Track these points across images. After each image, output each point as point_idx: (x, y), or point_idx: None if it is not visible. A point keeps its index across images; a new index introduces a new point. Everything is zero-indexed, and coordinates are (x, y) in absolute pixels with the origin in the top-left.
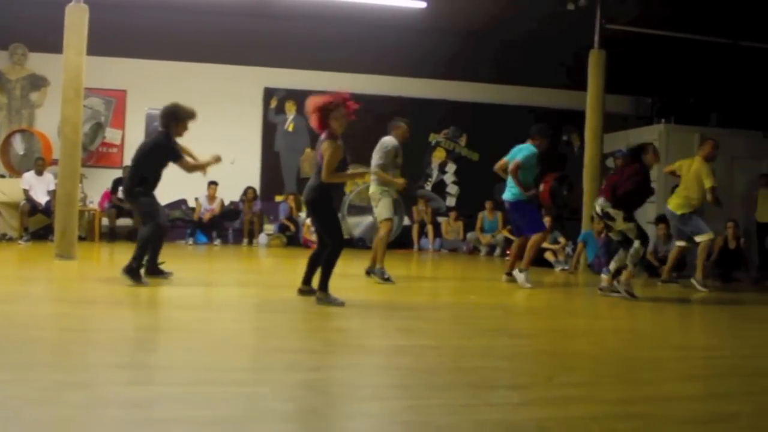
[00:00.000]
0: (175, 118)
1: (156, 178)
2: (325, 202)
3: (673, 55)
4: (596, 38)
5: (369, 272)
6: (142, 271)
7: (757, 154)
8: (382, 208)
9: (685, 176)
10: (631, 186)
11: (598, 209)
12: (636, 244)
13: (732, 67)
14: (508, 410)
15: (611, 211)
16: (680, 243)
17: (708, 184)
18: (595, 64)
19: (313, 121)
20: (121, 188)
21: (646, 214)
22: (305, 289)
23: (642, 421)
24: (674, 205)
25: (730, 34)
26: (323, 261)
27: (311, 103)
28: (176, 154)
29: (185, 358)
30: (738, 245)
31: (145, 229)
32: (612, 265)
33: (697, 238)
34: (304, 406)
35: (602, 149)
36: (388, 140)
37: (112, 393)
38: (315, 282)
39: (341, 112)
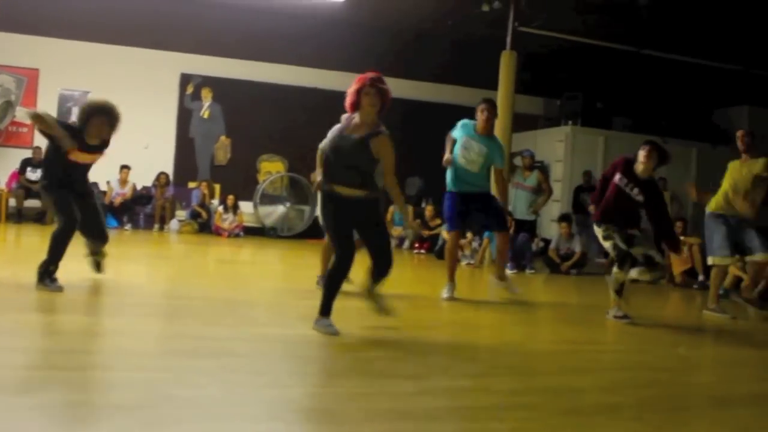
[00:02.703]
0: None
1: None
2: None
3: (582, 60)
4: (508, 40)
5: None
6: None
7: None
8: None
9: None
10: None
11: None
12: (614, 268)
13: (635, 74)
14: (401, 399)
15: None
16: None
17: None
18: (506, 64)
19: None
20: (29, 168)
21: (551, 212)
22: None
23: (530, 411)
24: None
25: (634, 43)
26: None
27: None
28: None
29: (85, 342)
30: None
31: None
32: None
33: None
34: (204, 392)
35: (510, 148)
36: None
37: (3, 377)
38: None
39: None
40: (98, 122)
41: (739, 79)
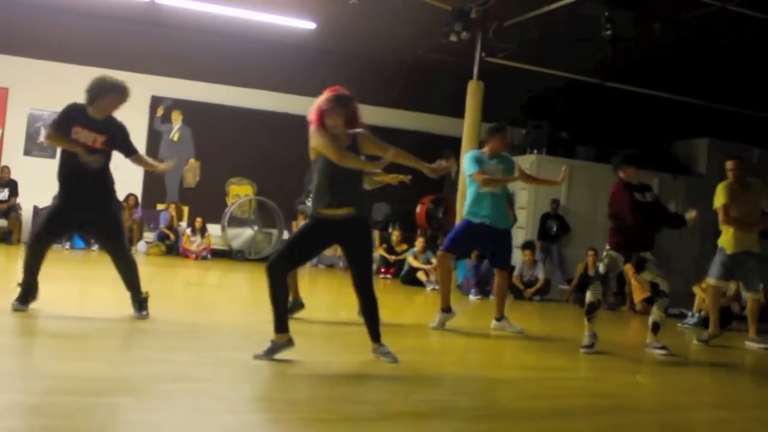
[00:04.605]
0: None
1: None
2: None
3: (548, 90)
4: (475, 70)
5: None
6: None
7: None
8: None
9: None
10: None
11: None
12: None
13: (599, 105)
14: (362, 425)
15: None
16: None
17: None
18: (473, 93)
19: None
20: None
21: (515, 239)
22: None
23: None
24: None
25: (599, 75)
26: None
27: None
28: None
29: (46, 365)
30: None
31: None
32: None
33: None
34: (164, 417)
35: None
36: None
37: None
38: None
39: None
40: (112, 99)
41: (700, 113)
